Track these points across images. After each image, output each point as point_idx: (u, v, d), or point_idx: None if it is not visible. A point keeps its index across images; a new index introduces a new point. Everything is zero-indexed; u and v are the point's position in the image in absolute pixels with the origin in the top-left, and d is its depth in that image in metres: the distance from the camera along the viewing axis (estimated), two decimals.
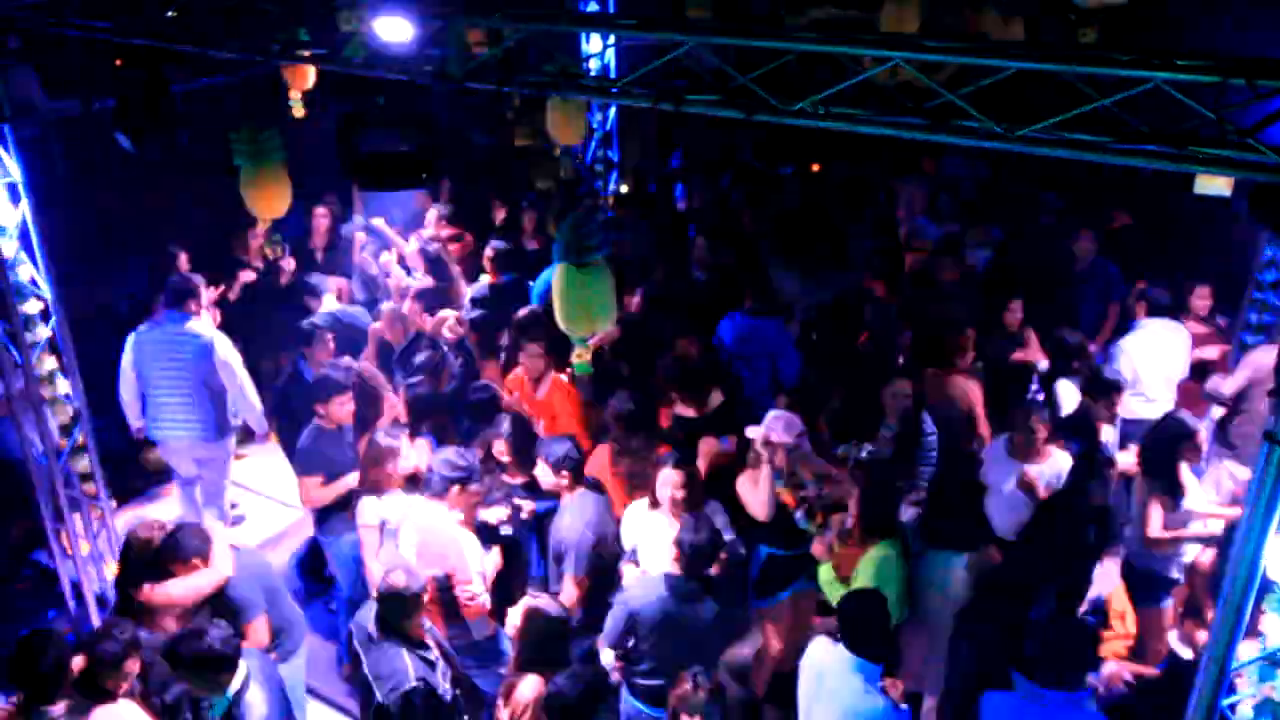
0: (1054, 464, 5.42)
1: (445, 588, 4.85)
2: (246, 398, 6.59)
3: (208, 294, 7.60)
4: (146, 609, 4.60)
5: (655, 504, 4.98)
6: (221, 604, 4.61)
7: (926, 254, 8.52)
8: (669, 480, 4.86)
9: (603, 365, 6.27)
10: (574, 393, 6.24)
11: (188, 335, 6.42)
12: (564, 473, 5.07)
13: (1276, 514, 3.03)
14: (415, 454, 5.44)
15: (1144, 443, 5.55)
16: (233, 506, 7.34)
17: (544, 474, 5.14)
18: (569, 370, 6.05)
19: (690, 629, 4.49)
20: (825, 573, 4.88)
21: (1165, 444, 5.35)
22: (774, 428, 5.06)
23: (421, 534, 4.94)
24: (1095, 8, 5.55)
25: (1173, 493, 5.27)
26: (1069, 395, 6.17)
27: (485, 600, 4.94)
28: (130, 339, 6.53)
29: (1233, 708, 3.41)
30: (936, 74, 3.35)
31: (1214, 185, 5.28)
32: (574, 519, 5.02)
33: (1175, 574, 5.41)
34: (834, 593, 4.73)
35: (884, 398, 5.75)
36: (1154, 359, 6.56)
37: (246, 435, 7.84)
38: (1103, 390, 5.80)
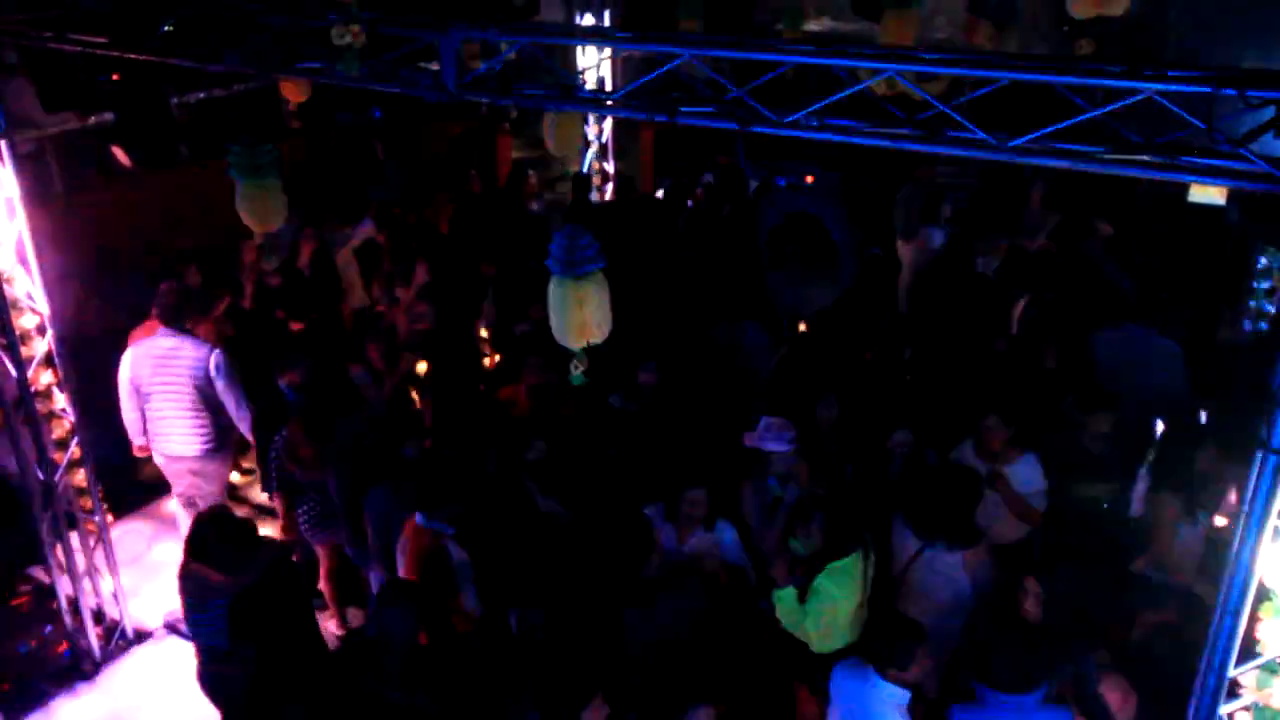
0: (1022, 466, 5.40)
1: (437, 602, 4.85)
2: (244, 411, 6.58)
3: (216, 307, 7.65)
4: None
5: (671, 516, 5.00)
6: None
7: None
8: (692, 500, 4.92)
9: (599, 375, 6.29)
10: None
11: (184, 349, 6.41)
12: None
13: (1272, 520, 3.04)
14: None
15: (1159, 448, 5.45)
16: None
17: None
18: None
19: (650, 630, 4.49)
20: (788, 600, 4.65)
21: (1183, 449, 5.24)
22: (765, 437, 5.09)
23: (411, 543, 4.95)
24: (1090, 19, 5.60)
25: (1189, 503, 5.14)
26: None
27: (477, 613, 4.94)
28: (127, 354, 6.52)
29: (1231, 715, 3.41)
30: (931, 85, 3.37)
31: (1208, 194, 5.31)
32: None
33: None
34: (795, 619, 4.65)
35: (890, 444, 5.75)
36: (1129, 364, 6.58)
37: (244, 448, 7.86)
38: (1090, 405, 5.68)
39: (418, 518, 4.96)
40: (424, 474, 5.06)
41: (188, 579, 4.83)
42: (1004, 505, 5.41)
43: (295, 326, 7.54)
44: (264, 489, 6.93)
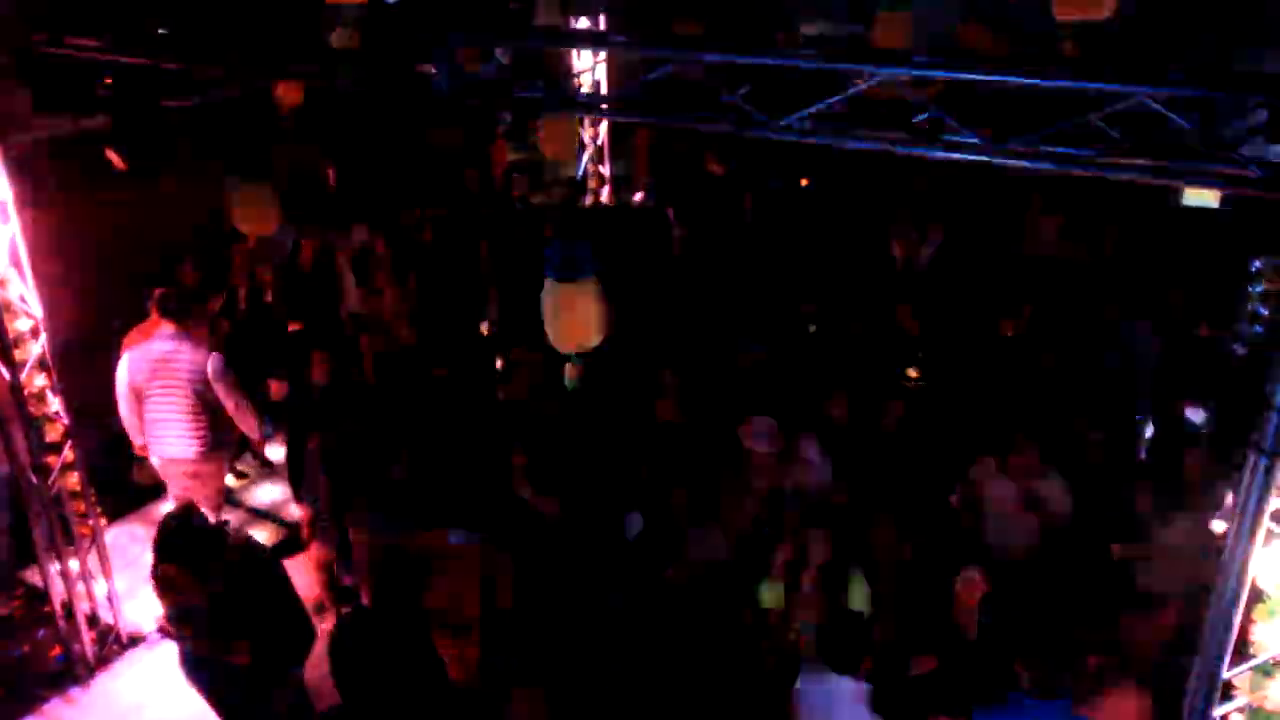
0: (1054, 484, 5.40)
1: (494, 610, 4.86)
2: (243, 412, 6.56)
3: (210, 306, 7.65)
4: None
5: None
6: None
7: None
8: (676, 504, 4.91)
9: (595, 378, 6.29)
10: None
11: (182, 351, 6.39)
12: None
13: (1265, 522, 3.05)
14: None
15: (1150, 450, 5.44)
16: (224, 523, 7.30)
17: None
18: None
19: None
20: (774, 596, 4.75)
21: (1175, 450, 5.26)
22: (751, 434, 5.25)
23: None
24: (1074, 23, 5.62)
25: (1182, 502, 5.14)
26: None
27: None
28: (124, 358, 6.50)
29: (1224, 717, 3.41)
30: (925, 89, 3.38)
31: (1202, 197, 5.32)
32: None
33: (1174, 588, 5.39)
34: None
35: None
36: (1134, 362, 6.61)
37: (242, 449, 7.85)
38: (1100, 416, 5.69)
39: (451, 538, 4.94)
40: (442, 493, 5.07)
41: (161, 581, 4.83)
42: (1009, 520, 5.41)
43: (292, 327, 7.55)
44: (297, 499, 6.95)
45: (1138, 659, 5.18)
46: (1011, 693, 3.96)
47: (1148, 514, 5.27)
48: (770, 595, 4.71)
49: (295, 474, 6.62)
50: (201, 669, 4.97)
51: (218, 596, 4.70)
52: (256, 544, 5.08)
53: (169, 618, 4.94)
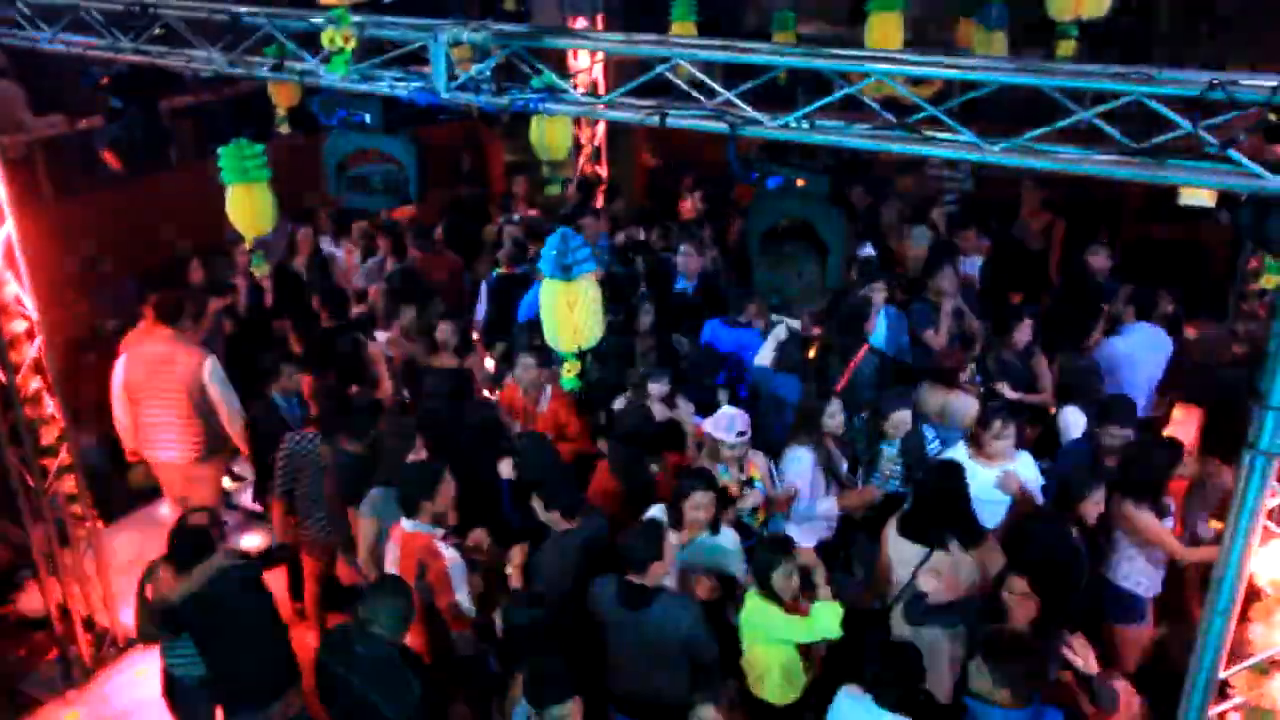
0: (1025, 467, 5.39)
1: (428, 602, 4.83)
2: (234, 420, 6.54)
3: (214, 304, 7.63)
4: None
5: (678, 524, 4.96)
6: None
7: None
8: (700, 503, 4.87)
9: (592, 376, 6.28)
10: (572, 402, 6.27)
11: (178, 354, 6.38)
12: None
13: (1260, 521, 3.05)
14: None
15: (1135, 464, 5.38)
16: (223, 524, 7.29)
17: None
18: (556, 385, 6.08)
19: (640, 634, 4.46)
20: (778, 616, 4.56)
21: (1159, 467, 5.17)
22: (716, 424, 5.26)
23: (401, 548, 4.93)
24: (1073, 22, 5.66)
25: (1156, 512, 5.10)
26: (1076, 421, 6.11)
27: (471, 612, 4.91)
28: (120, 360, 6.49)
29: (1221, 716, 3.42)
30: (924, 88, 3.38)
31: (1198, 197, 5.30)
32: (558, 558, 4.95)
33: (1153, 593, 5.38)
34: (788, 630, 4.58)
35: (885, 427, 5.76)
36: (1142, 362, 6.61)
37: (236, 452, 7.82)
38: (1113, 418, 5.56)
39: (404, 522, 4.94)
40: (406, 478, 5.05)
41: (148, 572, 4.84)
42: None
43: (285, 328, 7.52)
44: (254, 497, 6.94)
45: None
46: (975, 703, 3.93)
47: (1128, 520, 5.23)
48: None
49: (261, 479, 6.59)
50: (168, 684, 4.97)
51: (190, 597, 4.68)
52: (249, 572, 4.94)
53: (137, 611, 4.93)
